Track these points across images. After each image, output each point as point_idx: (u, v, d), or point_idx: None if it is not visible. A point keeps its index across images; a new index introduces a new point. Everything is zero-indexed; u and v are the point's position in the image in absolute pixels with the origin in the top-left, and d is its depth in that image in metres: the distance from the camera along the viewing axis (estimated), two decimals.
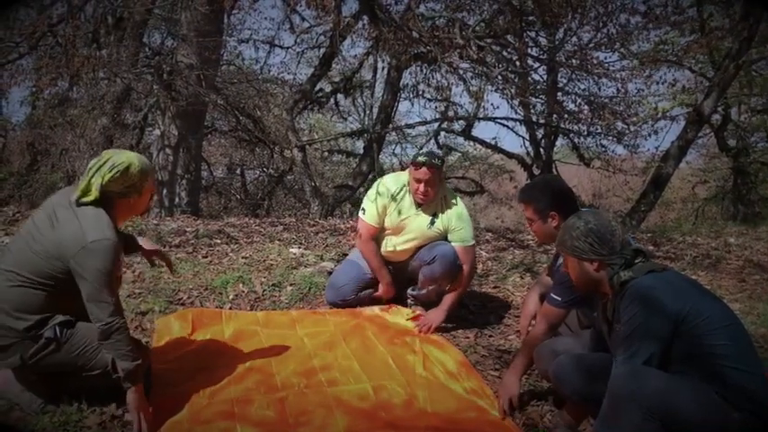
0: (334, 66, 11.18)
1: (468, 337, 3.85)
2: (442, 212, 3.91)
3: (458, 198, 3.97)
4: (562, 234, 2.51)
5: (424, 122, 12.23)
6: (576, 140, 12.20)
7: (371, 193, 3.98)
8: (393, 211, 3.95)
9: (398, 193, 3.94)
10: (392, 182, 3.98)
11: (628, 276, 2.34)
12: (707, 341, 2.21)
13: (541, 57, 10.70)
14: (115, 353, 2.55)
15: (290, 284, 4.48)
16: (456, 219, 3.89)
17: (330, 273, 4.61)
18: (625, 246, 2.40)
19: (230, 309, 4.08)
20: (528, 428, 2.84)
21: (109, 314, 2.50)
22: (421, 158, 3.73)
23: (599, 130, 11.14)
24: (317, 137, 14.43)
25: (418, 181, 3.76)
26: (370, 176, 10.97)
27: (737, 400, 2.16)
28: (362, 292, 4.14)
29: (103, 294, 2.49)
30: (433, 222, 3.91)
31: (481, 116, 11.57)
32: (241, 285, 4.39)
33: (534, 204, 3.07)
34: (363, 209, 4.00)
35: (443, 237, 3.94)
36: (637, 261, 2.37)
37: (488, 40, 8.55)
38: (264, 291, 4.39)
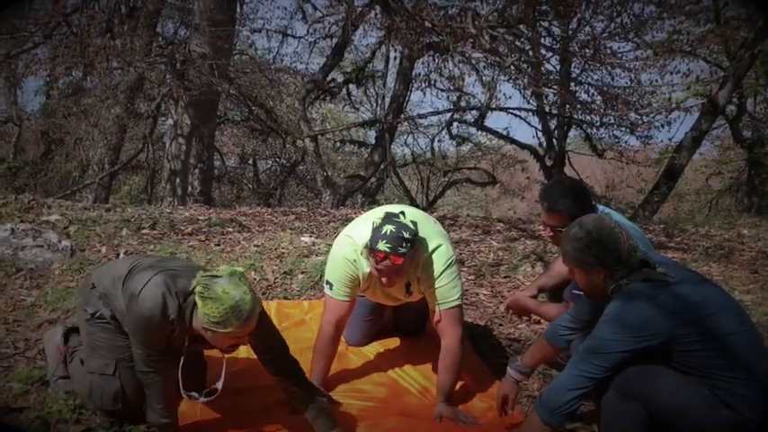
0: (346, 55, 11.19)
1: (478, 326, 3.86)
2: (417, 282, 3.01)
3: (434, 255, 2.94)
4: (564, 245, 2.40)
5: (437, 112, 12.23)
6: (588, 131, 12.15)
7: (335, 269, 3.03)
8: (364, 285, 3.08)
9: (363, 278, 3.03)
10: (351, 265, 2.99)
11: (623, 283, 2.29)
12: (701, 358, 2.20)
13: (554, 47, 10.63)
14: (148, 399, 2.54)
15: (302, 272, 4.50)
16: (432, 283, 2.95)
17: None
18: (631, 254, 2.30)
19: None
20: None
21: (143, 364, 2.49)
22: (383, 246, 2.71)
23: (612, 121, 11.09)
24: (329, 127, 14.44)
25: (381, 272, 2.80)
26: (382, 166, 10.99)
27: (729, 400, 2.16)
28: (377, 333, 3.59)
29: (138, 346, 2.48)
30: (409, 290, 3.07)
31: (494, 106, 11.55)
32: (253, 273, 4.42)
33: (567, 212, 2.84)
34: (330, 283, 3.03)
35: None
36: (643, 270, 2.30)
37: (501, 30, 8.50)
38: (276, 278, 4.41)
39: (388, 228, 2.71)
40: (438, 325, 2.99)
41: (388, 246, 2.69)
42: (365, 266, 2.94)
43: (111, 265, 2.80)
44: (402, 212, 2.84)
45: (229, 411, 2.81)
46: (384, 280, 2.81)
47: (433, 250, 2.93)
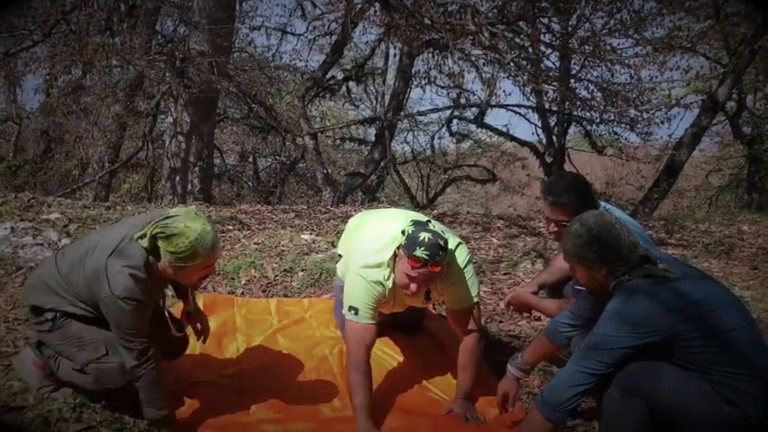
0: (345, 53, 11.18)
1: None
2: (435, 288, 2.97)
3: (453, 256, 2.93)
4: (565, 242, 2.40)
5: (437, 109, 12.25)
6: (588, 128, 12.14)
7: (360, 292, 2.87)
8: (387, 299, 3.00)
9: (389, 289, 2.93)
10: (377, 285, 2.88)
11: (625, 280, 2.29)
12: (702, 354, 2.19)
13: (554, 43, 10.61)
14: (142, 397, 2.55)
15: (302, 270, 4.51)
16: (451, 282, 2.94)
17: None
18: (632, 250, 2.30)
19: (242, 294, 4.12)
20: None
21: (134, 358, 2.48)
22: (421, 253, 2.64)
23: (612, 118, 11.07)
24: (328, 124, 14.44)
25: (413, 279, 2.72)
26: (382, 164, 10.99)
27: (731, 396, 2.16)
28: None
29: (127, 341, 2.47)
30: (428, 297, 3.04)
31: (493, 103, 11.54)
32: (253, 271, 4.42)
33: (571, 206, 2.84)
34: (354, 308, 2.86)
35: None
36: (644, 266, 2.29)
37: (501, 27, 8.49)
38: (276, 276, 4.41)
39: (425, 235, 2.66)
40: (456, 324, 3.00)
41: (427, 253, 2.63)
42: (390, 281, 2.86)
43: (39, 275, 2.71)
44: (429, 221, 2.83)
45: (229, 409, 2.81)
46: (413, 287, 2.73)
47: (452, 251, 2.91)
